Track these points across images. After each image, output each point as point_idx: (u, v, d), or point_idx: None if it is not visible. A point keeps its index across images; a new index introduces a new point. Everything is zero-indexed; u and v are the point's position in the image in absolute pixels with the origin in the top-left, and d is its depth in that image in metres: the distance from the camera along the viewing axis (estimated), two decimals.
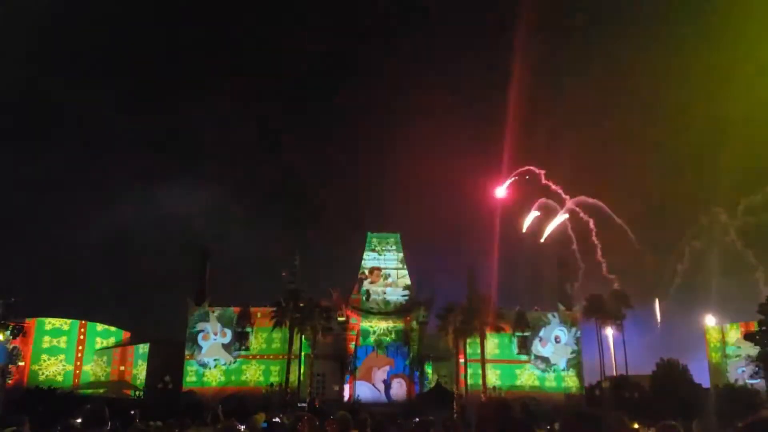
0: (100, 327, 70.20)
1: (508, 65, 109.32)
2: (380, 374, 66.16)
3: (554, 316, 68.15)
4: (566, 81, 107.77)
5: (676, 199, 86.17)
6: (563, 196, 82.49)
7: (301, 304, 62.42)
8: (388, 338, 67.05)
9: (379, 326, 67.06)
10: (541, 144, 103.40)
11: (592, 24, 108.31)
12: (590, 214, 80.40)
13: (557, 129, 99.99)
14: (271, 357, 64.71)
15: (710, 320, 72.44)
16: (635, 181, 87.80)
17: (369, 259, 69.70)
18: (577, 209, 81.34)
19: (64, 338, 67.36)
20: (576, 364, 66.86)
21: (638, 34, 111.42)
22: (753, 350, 56.22)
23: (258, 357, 65.13)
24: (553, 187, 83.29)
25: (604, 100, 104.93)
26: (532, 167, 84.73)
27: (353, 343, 65.75)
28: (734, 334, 67.98)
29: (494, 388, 62.89)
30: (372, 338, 66.87)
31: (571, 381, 66.25)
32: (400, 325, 67.17)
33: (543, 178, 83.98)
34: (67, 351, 67.04)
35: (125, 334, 73.03)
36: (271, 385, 62.26)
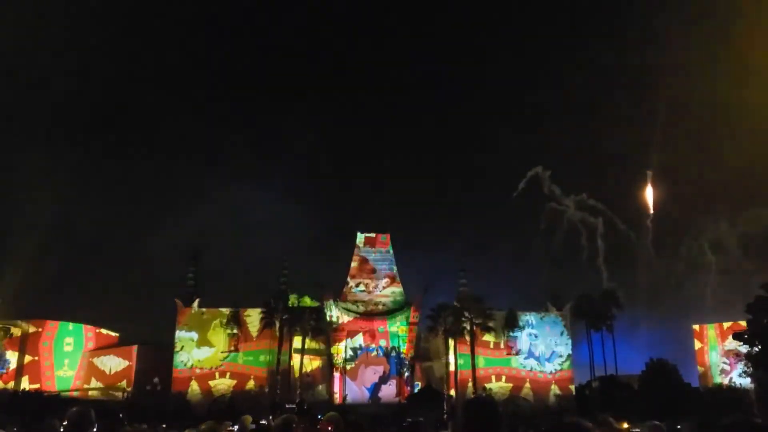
0: (88, 329, 69.65)
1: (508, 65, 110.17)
2: (371, 375, 65.91)
3: (544, 317, 68.19)
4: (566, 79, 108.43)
5: (677, 203, 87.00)
6: (566, 198, 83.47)
7: (291, 305, 62.20)
8: (378, 339, 66.83)
9: (369, 327, 66.80)
10: (544, 143, 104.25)
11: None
12: (594, 216, 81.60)
13: (560, 128, 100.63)
14: (260, 358, 64.32)
15: (701, 321, 72.91)
16: (637, 183, 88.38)
17: (359, 260, 69.48)
18: (581, 211, 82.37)
19: (52, 340, 66.76)
20: (566, 363, 66.93)
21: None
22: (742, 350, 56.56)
23: (247, 358, 64.69)
24: (558, 190, 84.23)
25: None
26: (538, 169, 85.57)
27: (343, 343, 65.49)
28: (724, 334, 68.43)
29: (484, 388, 62.84)
30: (362, 339, 66.60)
31: (560, 381, 66.30)
32: (389, 325, 66.97)
33: (548, 180, 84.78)
34: (55, 353, 66.46)
35: (114, 336, 72.51)
36: (261, 386, 62.01)
